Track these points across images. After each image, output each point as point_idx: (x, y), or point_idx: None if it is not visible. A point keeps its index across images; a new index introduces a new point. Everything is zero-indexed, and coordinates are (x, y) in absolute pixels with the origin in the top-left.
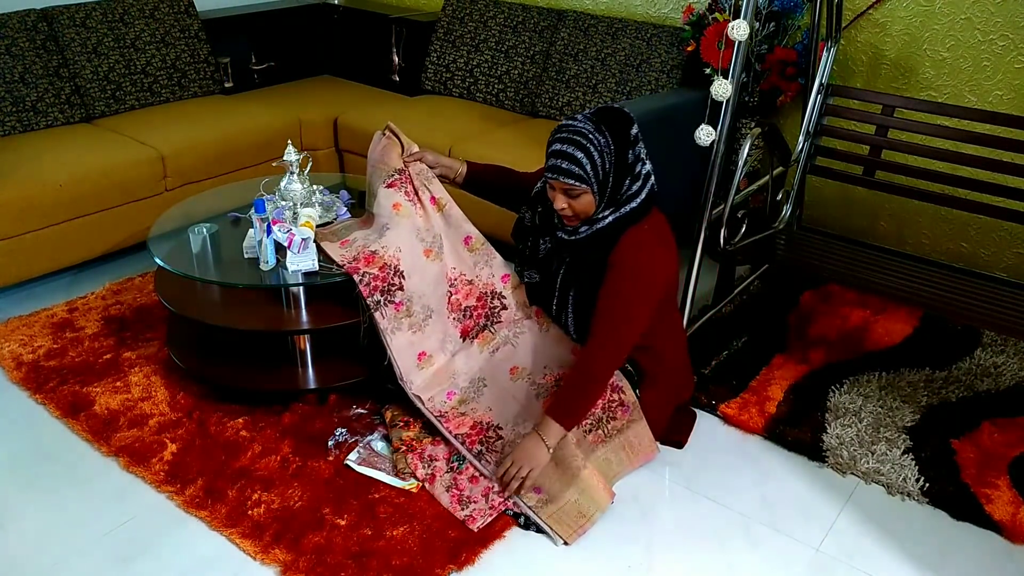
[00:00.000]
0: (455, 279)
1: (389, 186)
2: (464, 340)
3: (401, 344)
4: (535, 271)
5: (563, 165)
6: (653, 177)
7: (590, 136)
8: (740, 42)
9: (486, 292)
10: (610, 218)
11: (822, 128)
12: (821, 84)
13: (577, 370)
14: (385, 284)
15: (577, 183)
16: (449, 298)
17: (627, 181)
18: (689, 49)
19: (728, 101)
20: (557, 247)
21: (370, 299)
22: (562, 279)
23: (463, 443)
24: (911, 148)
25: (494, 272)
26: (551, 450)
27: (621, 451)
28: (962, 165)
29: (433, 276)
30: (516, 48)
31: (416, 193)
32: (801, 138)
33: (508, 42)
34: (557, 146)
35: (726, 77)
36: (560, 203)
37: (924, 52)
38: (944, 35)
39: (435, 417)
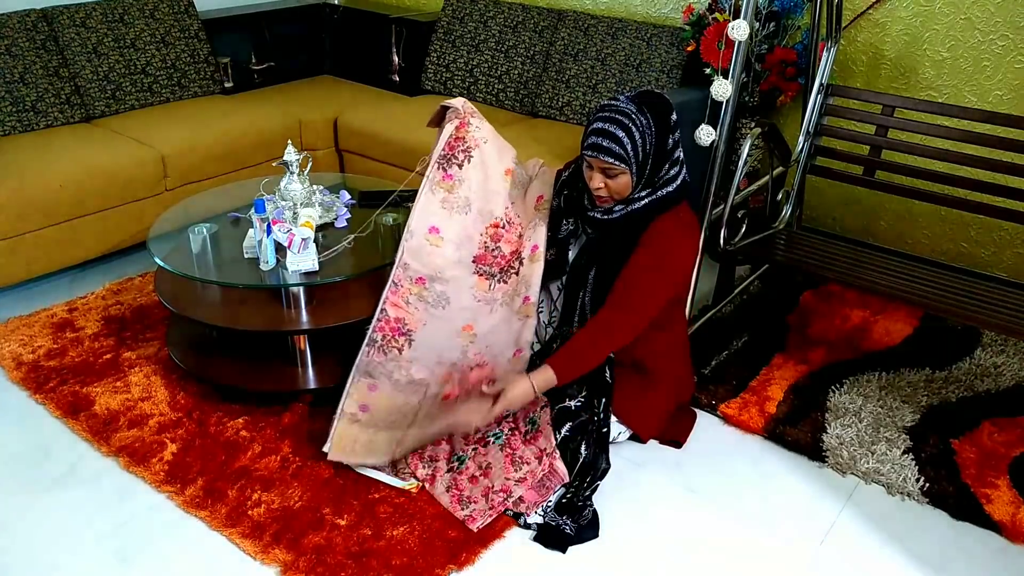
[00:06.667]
0: (511, 219)
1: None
2: (472, 264)
3: (428, 202)
4: (553, 250)
5: (604, 143)
6: (685, 168)
7: (632, 116)
8: (740, 42)
9: (517, 251)
10: (647, 199)
11: (822, 128)
12: (821, 84)
13: (590, 331)
14: (451, 152)
15: (617, 163)
16: (494, 225)
17: (665, 165)
18: (689, 49)
19: (728, 101)
20: (583, 228)
21: (435, 152)
22: (584, 258)
23: (371, 331)
24: (911, 148)
25: (533, 239)
26: (536, 394)
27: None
28: (962, 165)
29: (494, 188)
30: (516, 48)
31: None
32: (801, 138)
33: (508, 42)
34: (599, 124)
35: (726, 77)
36: (597, 182)
37: (924, 52)
38: (944, 35)
39: (388, 293)
